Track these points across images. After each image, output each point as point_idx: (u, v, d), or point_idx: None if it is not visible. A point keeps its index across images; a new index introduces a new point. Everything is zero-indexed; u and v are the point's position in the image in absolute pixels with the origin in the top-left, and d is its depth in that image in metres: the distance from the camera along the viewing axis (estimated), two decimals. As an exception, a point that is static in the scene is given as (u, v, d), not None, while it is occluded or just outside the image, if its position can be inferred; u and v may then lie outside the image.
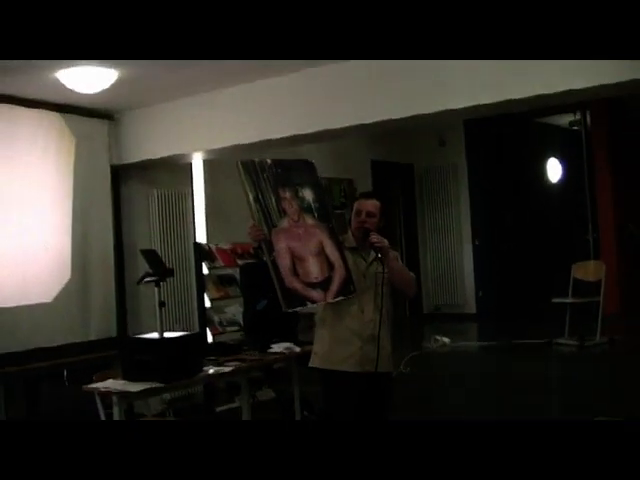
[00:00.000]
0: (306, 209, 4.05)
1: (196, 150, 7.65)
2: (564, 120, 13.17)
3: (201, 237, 8.82)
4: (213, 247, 7.89)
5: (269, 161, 3.98)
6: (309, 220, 4.05)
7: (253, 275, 7.28)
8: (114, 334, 7.63)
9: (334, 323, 4.23)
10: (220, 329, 7.53)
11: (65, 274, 7.29)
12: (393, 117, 6.23)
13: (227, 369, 5.64)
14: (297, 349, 6.20)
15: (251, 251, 8.17)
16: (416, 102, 6.08)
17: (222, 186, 9.00)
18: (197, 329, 7.79)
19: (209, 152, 7.77)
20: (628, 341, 9.63)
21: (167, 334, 5.47)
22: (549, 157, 14.37)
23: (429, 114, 6.11)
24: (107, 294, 7.68)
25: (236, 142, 7.19)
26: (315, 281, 3.94)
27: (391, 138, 11.75)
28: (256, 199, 3.83)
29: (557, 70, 5.33)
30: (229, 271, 7.93)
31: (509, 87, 5.64)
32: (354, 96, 6.39)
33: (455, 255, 12.96)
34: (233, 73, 6.65)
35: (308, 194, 4.10)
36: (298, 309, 4.00)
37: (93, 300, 7.52)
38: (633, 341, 9.54)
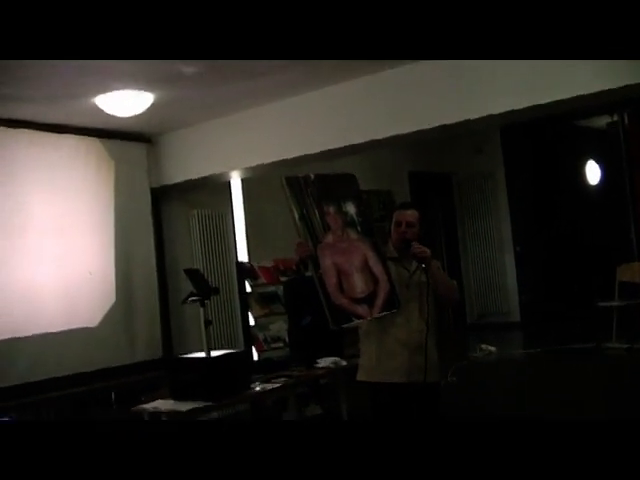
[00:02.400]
0: (349, 223, 4.05)
1: (233, 169, 7.70)
2: (601, 122, 13.04)
3: (243, 255, 8.86)
4: (255, 265, 7.94)
5: (312, 176, 3.98)
6: (353, 234, 4.04)
7: (296, 291, 7.29)
8: (160, 355, 7.67)
9: (380, 335, 4.21)
10: (265, 346, 7.56)
11: (110, 298, 7.35)
12: (430, 126, 6.23)
13: (274, 386, 5.64)
14: (343, 363, 6.19)
15: (293, 267, 8.20)
16: (454, 109, 6.07)
17: (261, 204, 9.03)
18: (242, 347, 7.80)
19: (246, 170, 7.81)
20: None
21: (213, 353, 5.48)
22: (587, 160, 14.23)
23: (468, 121, 6.10)
24: (152, 315, 7.73)
25: (272, 159, 7.23)
26: (360, 296, 3.93)
27: (427, 148, 11.71)
28: (301, 216, 3.84)
29: (590, 70, 5.29)
30: (272, 288, 7.96)
31: (544, 90, 5.62)
32: (389, 107, 6.40)
33: (497, 263, 12.86)
34: (266, 91, 6.69)
35: (351, 208, 4.09)
36: (345, 326, 3.98)
37: (138, 322, 7.57)
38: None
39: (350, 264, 3.95)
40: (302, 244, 3.84)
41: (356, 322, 3.98)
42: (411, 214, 4.29)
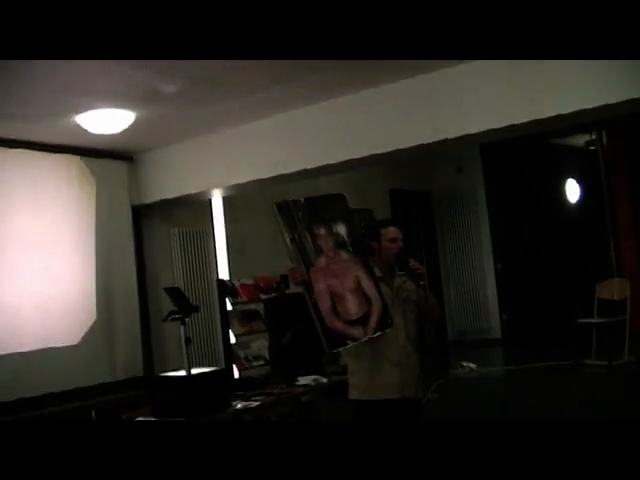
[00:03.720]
0: (341, 244, 4.04)
1: (214, 187, 7.71)
2: (580, 140, 13.16)
3: (223, 273, 8.86)
4: (236, 283, 7.93)
5: (302, 200, 3.98)
6: (344, 255, 4.03)
7: (277, 309, 7.30)
8: (141, 373, 7.65)
9: (370, 353, 4.23)
10: (246, 364, 7.55)
11: (90, 316, 7.34)
12: (409, 145, 6.28)
13: (254, 404, 5.64)
14: (324, 380, 6.19)
15: (274, 285, 8.22)
16: (433, 129, 6.12)
17: (242, 222, 9.05)
18: (223, 365, 7.79)
19: (227, 188, 7.83)
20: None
21: (193, 371, 5.48)
22: (567, 178, 14.35)
23: (445, 140, 6.15)
24: (132, 333, 7.71)
25: (254, 177, 7.25)
26: (354, 318, 3.93)
27: (408, 166, 11.78)
28: (293, 240, 3.84)
29: (569, 90, 5.37)
30: (253, 306, 7.96)
31: (521, 110, 5.68)
32: (368, 127, 6.44)
33: (478, 280, 12.92)
34: (249, 109, 6.72)
35: (341, 228, 4.08)
36: (340, 349, 3.98)
37: (119, 340, 7.56)
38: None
39: (343, 286, 3.95)
40: (294, 269, 3.84)
41: (351, 344, 3.95)
42: (394, 230, 4.35)
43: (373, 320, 4.00)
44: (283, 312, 7.30)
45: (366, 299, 4.01)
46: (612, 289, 9.90)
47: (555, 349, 10.85)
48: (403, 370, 4.20)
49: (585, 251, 12.98)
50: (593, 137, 12.83)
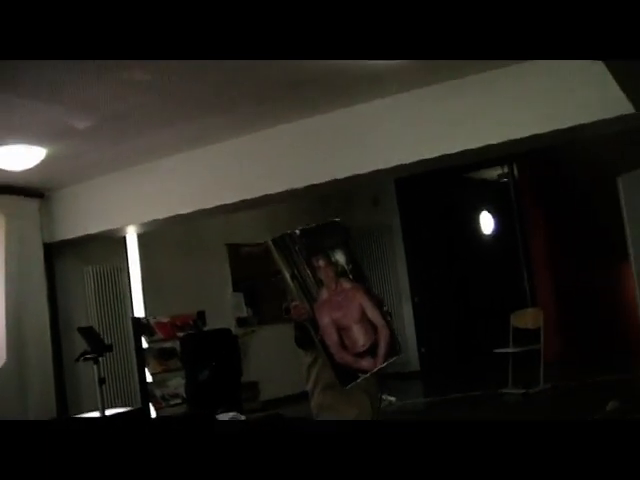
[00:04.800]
0: (341, 273, 3.95)
1: (129, 224, 7.62)
2: (493, 174, 13.42)
3: (139, 311, 8.72)
4: (152, 321, 7.82)
5: (298, 232, 3.87)
6: (346, 284, 3.95)
7: (194, 346, 7.22)
8: (54, 414, 7.44)
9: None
10: (163, 403, 7.42)
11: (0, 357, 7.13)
12: (322, 180, 6.32)
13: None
14: (242, 417, 6.13)
15: (190, 322, 8.13)
16: (345, 165, 6.18)
17: (158, 258, 8.94)
18: (139, 404, 7.64)
19: (142, 225, 7.74)
20: (571, 386, 9.71)
21: (108, 411, 5.37)
22: (481, 210, 14.59)
23: (357, 175, 6.21)
24: (45, 374, 7.51)
25: (168, 214, 7.20)
26: (363, 349, 3.86)
27: (325, 202, 11.83)
28: (293, 276, 3.71)
29: (476, 125, 5.50)
30: (169, 344, 7.85)
31: (431, 145, 5.78)
32: (282, 162, 6.48)
33: (395, 313, 12.98)
34: (164, 145, 6.68)
35: (340, 257, 4.00)
36: (354, 384, 3.82)
37: (31, 381, 7.35)
38: (575, 386, 9.63)
39: (348, 317, 3.87)
40: (298, 306, 3.74)
41: (362, 377, 3.84)
42: None
43: (382, 349, 3.94)
44: (200, 349, 7.23)
45: (372, 327, 3.94)
46: (526, 319, 10.06)
47: (473, 379, 10.97)
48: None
49: (500, 282, 13.19)
50: (505, 170, 13.11)
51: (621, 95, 4.78)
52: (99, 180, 7.54)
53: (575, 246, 12.51)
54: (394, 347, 4.03)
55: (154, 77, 4.99)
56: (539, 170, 12.45)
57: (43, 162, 6.45)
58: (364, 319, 3.94)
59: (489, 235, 14.46)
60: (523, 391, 9.35)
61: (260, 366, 9.60)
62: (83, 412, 6.04)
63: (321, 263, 3.87)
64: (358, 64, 4.99)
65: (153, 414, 7.25)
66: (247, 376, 8.61)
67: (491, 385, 9.83)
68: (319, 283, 3.81)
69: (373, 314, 3.99)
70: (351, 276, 4.00)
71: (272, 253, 3.72)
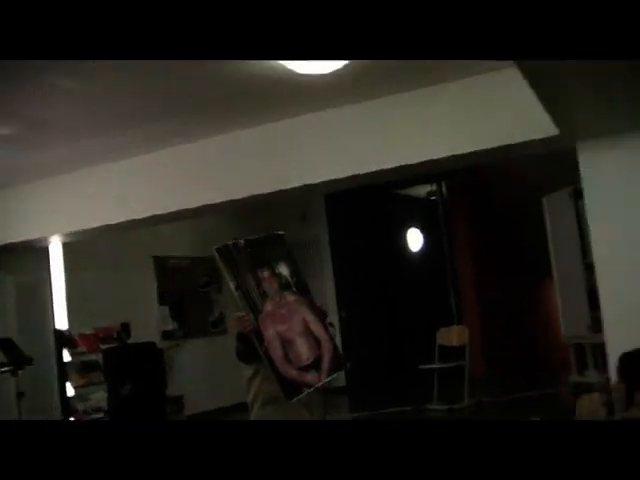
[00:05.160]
0: (285, 285, 3.90)
1: (52, 234, 7.48)
2: (422, 191, 13.56)
3: (62, 323, 8.53)
4: (75, 333, 7.67)
5: (242, 242, 3.78)
6: (289, 297, 3.89)
7: (117, 359, 7.11)
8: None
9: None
10: (85, 417, 7.28)
11: None
12: (248, 194, 6.32)
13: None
14: (165, 433, 6.03)
15: (114, 335, 8.00)
16: (274, 179, 6.18)
17: (82, 270, 8.78)
18: (60, 418, 7.48)
19: (66, 235, 7.61)
20: (495, 402, 9.83)
21: (26, 426, 5.22)
22: (410, 227, 14.71)
23: (287, 189, 6.21)
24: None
25: (95, 224, 7.09)
26: (307, 363, 3.78)
27: (253, 215, 11.78)
28: (237, 287, 3.63)
29: (409, 142, 5.55)
30: (92, 357, 7.71)
31: (364, 160, 5.81)
32: (210, 175, 6.44)
33: (323, 328, 12.97)
34: (89, 154, 6.58)
35: (284, 269, 3.94)
36: (299, 397, 3.71)
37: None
38: (499, 402, 9.75)
39: (292, 330, 3.80)
40: (242, 318, 3.64)
41: (307, 391, 3.74)
42: None
43: (325, 363, 3.86)
44: (123, 362, 7.12)
45: (316, 341, 3.87)
46: (452, 336, 10.17)
47: (398, 395, 11.02)
48: None
49: (427, 299, 13.31)
50: (433, 188, 13.26)
51: (546, 117, 4.88)
52: (21, 187, 7.38)
53: (501, 264, 12.73)
54: (338, 361, 3.95)
55: (80, 84, 4.91)
56: (467, 188, 12.64)
57: (-36, 168, 6.30)
58: (308, 332, 3.89)
59: (417, 252, 14.58)
60: (447, 407, 9.43)
61: (185, 380, 9.50)
62: None
63: (266, 274, 3.82)
64: (292, 77, 4.98)
65: (73, 429, 7.10)
66: (172, 390, 8.51)
67: (416, 401, 9.89)
68: (263, 295, 3.75)
69: (316, 328, 3.94)
70: (294, 289, 3.95)
71: (217, 262, 3.64)
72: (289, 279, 3.95)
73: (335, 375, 3.94)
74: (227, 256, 3.68)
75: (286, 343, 3.74)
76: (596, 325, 7.86)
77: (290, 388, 3.67)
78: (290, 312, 3.87)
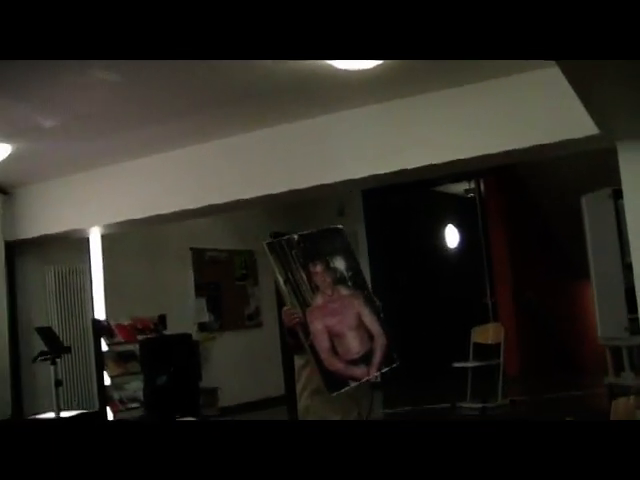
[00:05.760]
0: (339, 280, 3.88)
1: (92, 225, 7.57)
2: (459, 188, 13.51)
3: (100, 313, 8.64)
4: (112, 323, 7.76)
5: (296, 237, 3.80)
6: (344, 291, 3.88)
7: (153, 350, 7.17)
8: (9, 415, 7.35)
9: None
10: (120, 406, 7.36)
11: (-45, 356, 7.04)
12: (287, 189, 6.33)
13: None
14: (199, 424, 6.10)
15: (151, 326, 8.07)
16: (312, 174, 6.19)
17: (120, 261, 8.88)
18: (97, 407, 7.57)
19: (106, 227, 7.69)
20: (528, 402, 9.79)
21: (64, 413, 5.31)
22: (447, 224, 14.66)
23: (328, 184, 6.22)
24: (1, 374, 7.41)
25: (132, 217, 7.16)
26: (357, 357, 3.77)
27: (291, 209, 11.81)
28: (286, 281, 3.65)
29: (446, 141, 5.55)
30: (129, 347, 7.80)
31: (401, 158, 5.82)
32: (246, 170, 6.47)
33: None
34: (128, 148, 6.64)
35: (340, 263, 3.93)
36: (342, 390, 3.70)
37: (-14, 380, 7.25)
38: (533, 401, 9.71)
39: (343, 324, 3.79)
40: (289, 311, 3.66)
41: (353, 385, 3.75)
42: None
43: (377, 357, 3.86)
44: (159, 353, 7.18)
45: (369, 335, 3.87)
46: (487, 334, 10.12)
47: (432, 393, 11.00)
48: None
49: (463, 296, 13.26)
50: (471, 185, 13.20)
51: (586, 116, 4.84)
52: (64, 179, 7.47)
53: (537, 263, 12.64)
54: (390, 356, 3.94)
55: (121, 78, 4.96)
56: (505, 186, 12.56)
57: (7, 159, 6.39)
58: (360, 327, 3.86)
59: (453, 249, 14.53)
60: (480, 405, 9.39)
61: (220, 372, 9.55)
62: (39, 413, 5.97)
63: (318, 269, 3.81)
64: (329, 74, 5.01)
65: (110, 417, 7.18)
66: (207, 382, 8.57)
67: (449, 399, 9.87)
68: (314, 289, 3.74)
69: (371, 322, 3.91)
70: (350, 283, 3.93)
71: (268, 257, 3.65)
72: (344, 273, 3.93)
73: (386, 370, 3.92)
74: (278, 251, 3.69)
75: (335, 337, 3.72)
76: (634, 327, 7.81)
77: (333, 381, 3.66)
78: (343, 306, 3.85)
